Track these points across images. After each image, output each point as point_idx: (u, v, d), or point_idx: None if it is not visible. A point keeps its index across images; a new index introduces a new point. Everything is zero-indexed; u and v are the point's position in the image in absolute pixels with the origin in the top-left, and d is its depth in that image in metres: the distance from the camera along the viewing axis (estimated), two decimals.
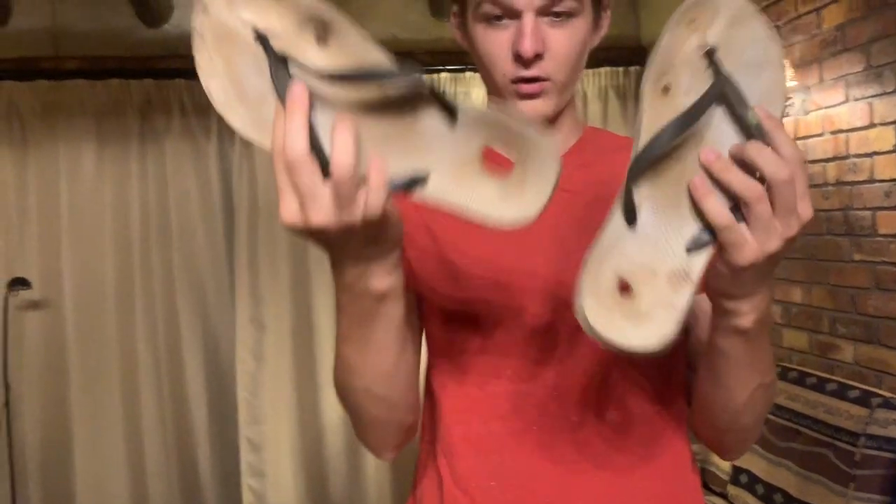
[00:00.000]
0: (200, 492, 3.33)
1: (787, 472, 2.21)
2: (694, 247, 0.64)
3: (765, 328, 0.72)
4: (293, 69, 0.58)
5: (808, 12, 2.45)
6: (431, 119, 0.61)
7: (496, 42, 0.82)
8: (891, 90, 2.15)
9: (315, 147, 0.56)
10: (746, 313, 0.68)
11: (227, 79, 0.58)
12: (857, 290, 2.32)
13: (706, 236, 0.63)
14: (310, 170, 0.56)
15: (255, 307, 3.31)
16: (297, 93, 0.56)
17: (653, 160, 0.63)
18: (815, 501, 2.08)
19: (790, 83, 2.43)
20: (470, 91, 3.38)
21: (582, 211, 0.87)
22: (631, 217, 0.64)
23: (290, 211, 0.59)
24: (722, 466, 2.51)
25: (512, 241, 0.87)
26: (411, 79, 0.59)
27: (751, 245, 0.61)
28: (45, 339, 3.21)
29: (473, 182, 0.61)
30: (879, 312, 2.24)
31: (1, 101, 3.16)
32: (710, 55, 0.64)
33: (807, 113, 2.48)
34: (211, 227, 3.35)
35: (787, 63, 2.43)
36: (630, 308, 0.63)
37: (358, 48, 0.59)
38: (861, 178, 2.28)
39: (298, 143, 0.56)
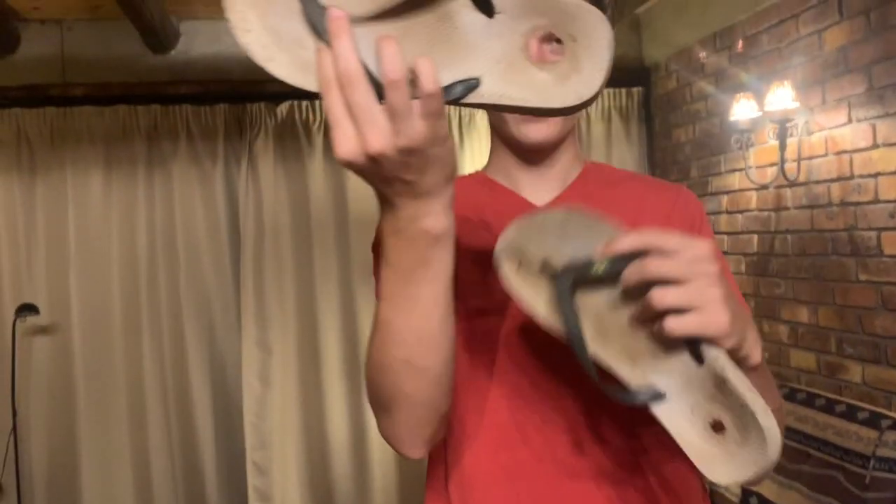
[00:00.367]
0: None
1: (797, 495, 2.20)
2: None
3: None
4: (323, 1, 0.56)
5: (810, 34, 2.47)
6: (468, 15, 0.58)
7: None
8: (893, 111, 2.16)
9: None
10: (753, 349, 0.68)
11: (262, 31, 0.56)
12: (864, 310, 2.32)
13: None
14: (365, 86, 0.54)
15: (262, 331, 3.31)
16: (337, 16, 0.54)
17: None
18: None
19: (793, 104, 2.44)
20: None
21: None
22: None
23: (346, 141, 0.56)
24: (732, 489, 2.50)
25: None
26: None
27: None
28: (53, 365, 3.22)
29: (526, 74, 0.58)
30: (887, 333, 2.24)
31: (10, 128, 3.20)
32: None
33: (810, 134, 2.49)
34: (217, 251, 3.37)
35: (788, 84, 2.45)
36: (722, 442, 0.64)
37: None
38: (866, 199, 2.29)
39: (350, 60, 0.53)
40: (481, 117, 3.38)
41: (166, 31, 3.16)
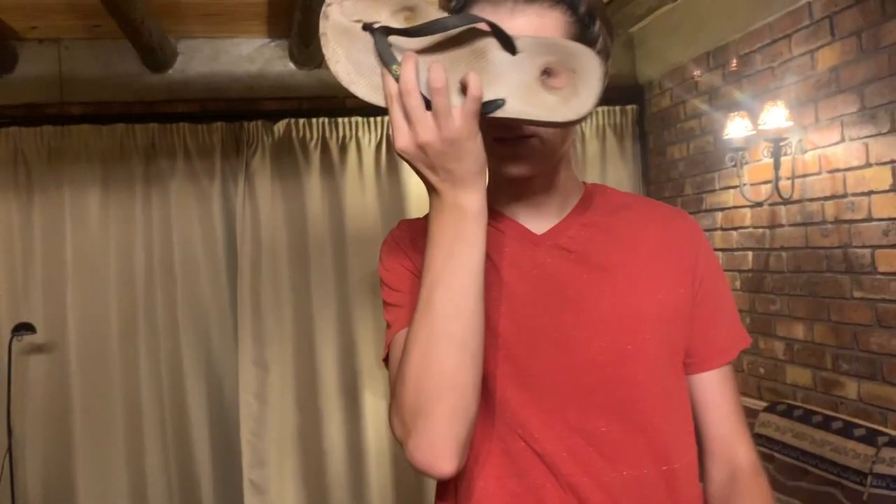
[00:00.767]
0: None
1: None
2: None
3: None
4: (392, 40, 0.77)
5: (803, 54, 2.51)
6: (496, 53, 0.77)
7: None
8: (885, 131, 2.20)
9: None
10: None
11: (347, 62, 0.77)
12: (859, 326, 2.34)
13: None
14: (418, 95, 0.74)
15: (259, 348, 3.31)
16: (409, 54, 0.75)
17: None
18: None
19: (786, 123, 2.47)
20: None
21: (585, 274, 0.90)
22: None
23: (402, 136, 0.75)
24: None
25: (520, 301, 0.89)
26: (467, 17, 0.78)
27: None
28: (49, 384, 3.21)
29: (539, 97, 0.77)
30: (882, 349, 2.25)
31: (7, 147, 3.20)
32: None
33: (804, 152, 2.52)
34: (214, 268, 3.37)
35: (782, 103, 2.48)
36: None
37: (433, 15, 0.78)
38: (859, 217, 2.31)
39: (411, 77, 0.73)
40: None
41: (164, 51, 3.17)
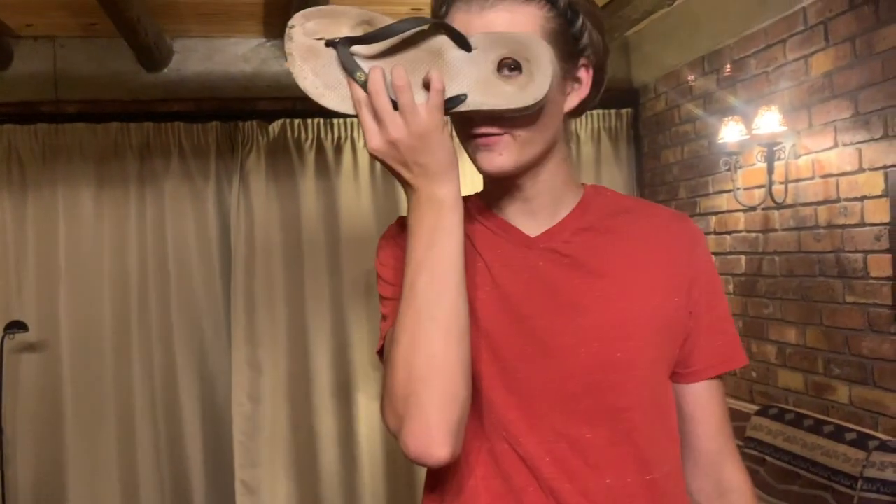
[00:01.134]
0: None
1: None
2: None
3: None
4: (354, 50, 0.82)
5: (797, 59, 2.52)
6: (453, 52, 0.82)
7: None
8: (878, 136, 2.21)
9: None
10: None
11: (315, 77, 0.82)
12: (851, 331, 2.35)
13: None
14: (386, 95, 0.78)
15: (252, 349, 3.31)
16: (375, 68, 0.80)
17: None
18: None
19: (780, 128, 2.48)
20: None
21: (578, 279, 0.90)
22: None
23: (374, 136, 0.80)
24: None
25: (511, 304, 0.89)
26: (418, 20, 0.81)
27: None
28: (41, 382, 3.20)
29: (497, 88, 0.82)
30: (873, 354, 2.27)
31: (1, 145, 3.19)
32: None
33: (797, 157, 2.53)
34: (208, 268, 3.36)
35: (775, 108, 2.49)
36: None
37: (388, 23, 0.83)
38: (852, 222, 2.32)
39: (379, 79, 0.79)
40: None
41: (160, 50, 3.17)
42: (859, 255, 2.30)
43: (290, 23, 0.84)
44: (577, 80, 0.90)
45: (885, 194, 2.20)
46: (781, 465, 2.30)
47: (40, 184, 3.22)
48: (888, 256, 2.19)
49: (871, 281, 2.26)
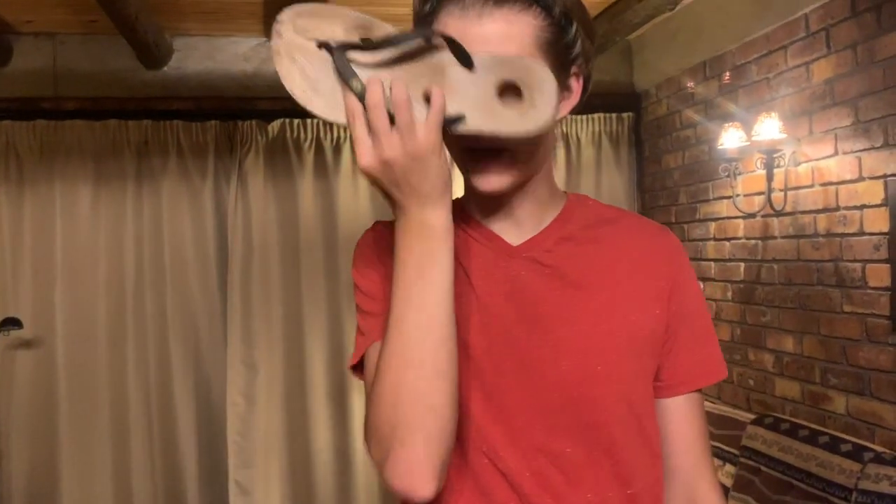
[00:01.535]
0: None
1: None
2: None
3: None
4: (350, 56, 0.77)
5: (798, 66, 2.50)
6: (454, 69, 0.78)
7: None
8: (878, 145, 2.19)
9: None
10: None
11: (303, 80, 0.77)
12: (848, 341, 2.32)
13: None
14: (384, 110, 0.73)
15: (248, 348, 3.30)
16: (375, 80, 0.74)
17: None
18: None
19: (780, 135, 2.46)
20: None
21: (559, 290, 0.88)
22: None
23: (366, 152, 0.74)
24: None
25: (491, 314, 0.87)
26: (425, 31, 0.78)
27: None
28: (35, 379, 3.19)
29: (497, 112, 0.78)
30: (870, 364, 2.24)
31: None
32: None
33: (797, 164, 2.51)
34: (205, 267, 3.35)
35: (776, 114, 2.47)
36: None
37: (390, 32, 0.78)
38: (851, 231, 2.30)
39: (378, 92, 0.73)
40: None
41: (160, 47, 3.16)
42: (858, 265, 2.28)
43: (279, 17, 0.77)
44: (569, 88, 0.88)
45: (884, 203, 2.17)
46: (776, 475, 2.28)
47: (38, 180, 3.21)
48: (887, 266, 2.17)
49: (870, 291, 2.24)
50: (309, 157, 3.40)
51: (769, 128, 2.46)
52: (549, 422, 0.86)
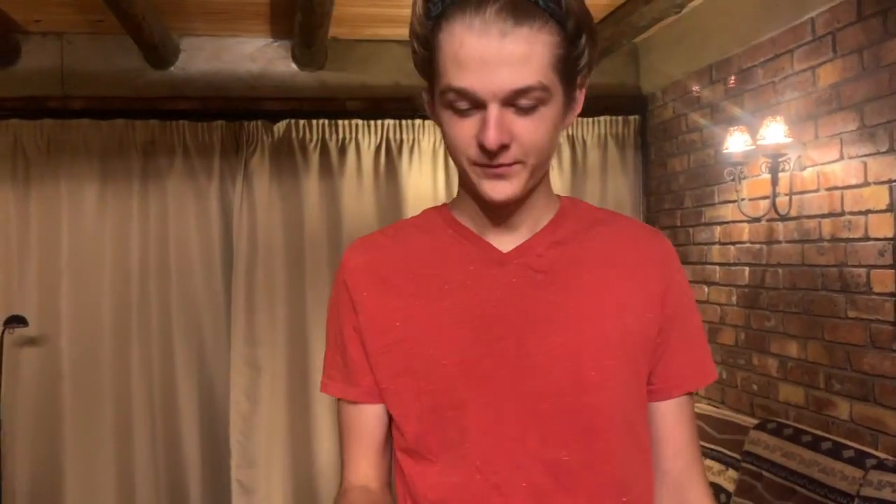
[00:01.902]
0: None
1: None
2: None
3: None
4: None
5: (804, 70, 2.49)
6: None
7: (462, 130, 0.81)
8: (884, 150, 2.17)
9: None
10: None
11: None
12: (853, 346, 2.31)
13: None
14: None
15: (251, 348, 3.30)
16: None
17: None
18: None
19: (785, 139, 2.45)
20: None
21: (552, 295, 0.87)
22: None
23: None
24: None
25: (483, 323, 0.87)
26: None
27: None
28: (40, 377, 3.21)
29: None
30: (875, 370, 2.23)
31: (7, 139, 3.20)
32: None
33: (802, 169, 2.50)
34: (210, 267, 3.36)
35: (781, 118, 2.46)
36: None
37: None
38: (856, 236, 2.29)
39: None
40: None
41: (166, 47, 3.17)
42: (862, 270, 2.27)
43: None
44: (575, 100, 0.87)
45: (889, 209, 2.16)
46: (779, 480, 2.27)
47: (44, 179, 3.23)
48: (892, 272, 2.15)
49: (874, 296, 2.22)
50: (314, 157, 3.40)
51: (775, 132, 2.45)
52: (545, 429, 0.85)
